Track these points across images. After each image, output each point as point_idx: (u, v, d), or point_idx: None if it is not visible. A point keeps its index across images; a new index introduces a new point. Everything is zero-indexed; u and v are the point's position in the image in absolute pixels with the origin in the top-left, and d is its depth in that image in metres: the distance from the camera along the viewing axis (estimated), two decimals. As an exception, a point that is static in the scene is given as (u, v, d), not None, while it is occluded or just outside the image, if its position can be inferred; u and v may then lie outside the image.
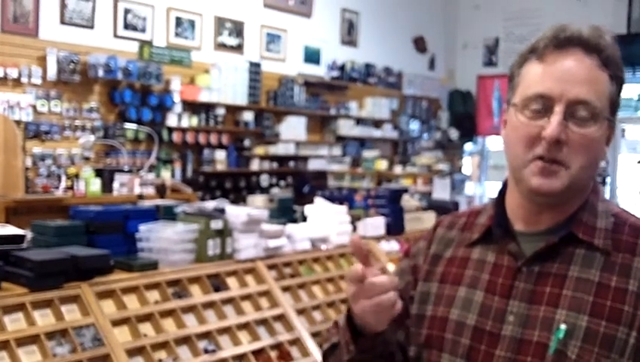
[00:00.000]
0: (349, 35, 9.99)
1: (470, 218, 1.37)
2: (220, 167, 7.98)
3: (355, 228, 4.34)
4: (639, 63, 9.61)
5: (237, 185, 8.20)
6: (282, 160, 8.84)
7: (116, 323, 2.80)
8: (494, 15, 10.67)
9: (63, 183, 5.33)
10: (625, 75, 1.22)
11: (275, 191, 8.42)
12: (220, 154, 7.97)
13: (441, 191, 8.55)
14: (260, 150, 8.48)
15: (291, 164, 8.96)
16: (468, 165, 10.91)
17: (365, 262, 1.15)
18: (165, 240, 3.16)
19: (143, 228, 3.21)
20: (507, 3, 10.54)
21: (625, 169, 10.39)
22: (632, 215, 1.26)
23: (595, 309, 1.14)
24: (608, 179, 10.02)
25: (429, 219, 4.98)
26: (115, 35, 7.08)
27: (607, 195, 9.93)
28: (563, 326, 1.14)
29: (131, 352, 2.75)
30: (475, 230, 1.32)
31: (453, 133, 11.26)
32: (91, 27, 6.84)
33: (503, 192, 1.31)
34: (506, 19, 10.10)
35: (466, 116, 11.33)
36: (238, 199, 7.55)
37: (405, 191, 5.27)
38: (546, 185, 1.17)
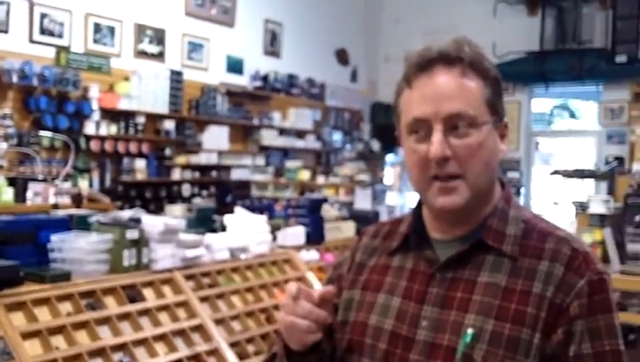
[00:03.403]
0: (272, 45, 10.02)
1: (393, 226, 1.41)
2: (140, 176, 7.85)
3: (274, 238, 4.35)
4: (551, 79, 9.98)
5: (158, 195, 8.07)
6: (204, 169, 8.77)
7: (26, 336, 2.72)
8: (414, 29, 10.88)
9: (-27, 192, 5.12)
10: (498, 74, 1.27)
11: (197, 201, 8.35)
12: (140, 164, 7.85)
13: (362, 201, 8.65)
14: (181, 159, 8.39)
15: (214, 173, 8.91)
16: (389, 176, 11.07)
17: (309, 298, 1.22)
18: (78, 250, 3.09)
19: (55, 238, 3.12)
20: (426, 18, 10.79)
21: (539, 180, 10.77)
22: (543, 220, 1.31)
23: (500, 313, 1.19)
24: (523, 190, 10.36)
25: (349, 228, 5.04)
26: (31, 40, 6.89)
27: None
28: (470, 331, 1.19)
29: (42, 366, 2.68)
30: (396, 238, 1.37)
31: (375, 145, 11.43)
32: (5, 31, 6.64)
33: (420, 203, 1.36)
34: (425, 34, 10.30)
35: (387, 128, 11.50)
36: (159, 209, 7.45)
37: (325, 200, 5.32)
38: (449, 202, 1.22)
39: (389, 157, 11.59)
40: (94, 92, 7.23)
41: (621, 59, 9.06)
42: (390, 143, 11.48)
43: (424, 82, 1.22)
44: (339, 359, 1.34)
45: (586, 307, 1.18)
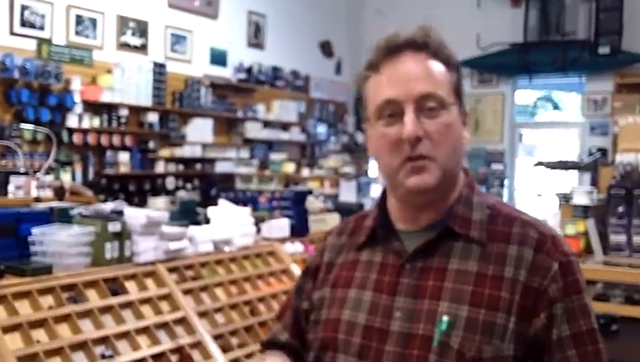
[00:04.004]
0: (256, 37, 9.98)
1: (358, 222, 1.42)
2: (124, 169, 7.79)
3: (259, 230, 4.33)
4: (535, 70, 10.01)
5: (141, 188, 8.02)
6: (188, 162, 8.73)
7: (7, 329, 2.69)
8: (397, 21, 10.78)
9: (-46, 186, 5.06)
10: (458, 62, 1.30)
11: (181, 193, 8.30)
12: (124, 156, 7.79)
13: (347, 193, 8.66)
14: (165, 152, 8.34)
15: (198, 166, 8.87)
16: (374, 168, 11.08)
17: None
18: (60, 243, 3.06)
19: (36, 231, 3.09)
20: (409, 10, 10.77)
21: (522, 172, 10.82)
22: (506, 206, 1.33)
23: (474, 299, 1.20)
24: (506, 182, 10.41)
25: (334, 220, 5.03)
26: (12, 33, 6.81)
27: (505, 197, 10.31)
28: (445, 318, 1.19)
29: (23, 359, 2.65)
30: (362, 233, 1.37)
31: (360, 137, 11.41)
32: (-15, 23, 6.57)
33: (384, 196, 1.36)
34: (409, 26, 10.31)
35: (371, 120, 11.50)
36: (143, 202, 7.41)
37: (310, 193, 5.30)
38: (421, 181, 1.23)
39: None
40: (76, 84, 7.16)
41: (604, 50, 9.10)
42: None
43: (393, 66, 1.25)
44: (313, 359, 1.34)
45: (562, 289, 1.20)
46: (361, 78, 1.30)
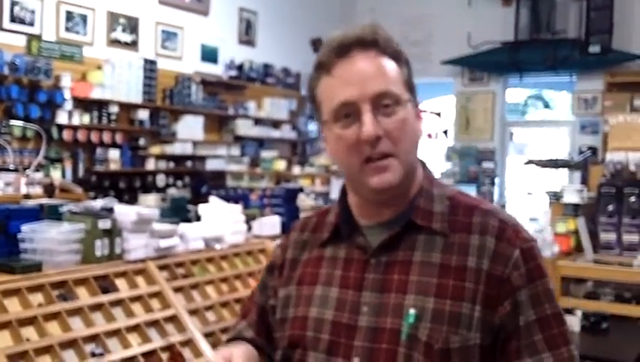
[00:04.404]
0: (247, 34, 9.96)
1: (320, 218, 1.42)
2: (114, 166, 7.77)
3: (250, 228, 4.33)
4: (526, 69, 10.03)
5: (132, 185, 8.00)
6: (179, 159, 8.71)
7: (-4, 327, 2.68)
8: (390, 19, 10.87)
9: (-58, 182, 5.03)
10: (407, 57, 1.30)
11: (171, 191, 8.28)
12: (114, 154, 7.77)
13: (338, 191, 8.62)
14: (155, 149, 8.32)
15: (188, 163, 8.85)
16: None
17: None
18: (49, 240, 3.04)
19: (26, 228, 3.07)
20: (402, 8, 10.79)
21: (513, 170, 10.85)
22: (466, 196, 1.34)
23: (439, 290, 1.21)
24: (497, 180, 10.43)
25: (325, 218, 5.02)
26: (1, 28, 6.78)
27: (496, 196, 10.33)
28: (412, 311, 1.20)
29: (12, 358, 2.63)
30: (325, 229, 1.37)
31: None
32: (-26, 19, 6.52)
33: (344, 192, 1.36)
34: (401, 24, 10.33)
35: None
36: (133, 199, 7.38)
37: (301, 190, 5.30)
38: (384, 180, 1.23)
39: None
40: (66, 81, 7.14)
41: (595, 49, 9.13)
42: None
43: (344, 67, 1.24)
44: (281, 357, 1.34)
45: (525, 276, 1.22)
46: (311, 80, 1.29)
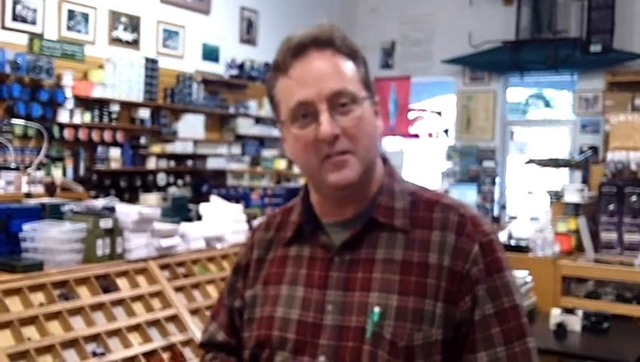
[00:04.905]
0: (248, 33, 9.96)
1: (283, 216, 1.42)
2: (115, 165, 7.77)
3: (251, 227, 4.32)
4: (527, 68, 10.02)
5: (132, 184, 8.00)
6: (180, 158, 8.71)
7: (-3, 327, 2.68)
8: (390, 18, 10.89)
9: (-57, 181, 5.04)
10: (363, 55, 1.30)
11: (172, 190, 8.28)
12: (115, 152, 7.77)
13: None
14: (156, 148, 8.32)
15: (189, 162, 8.85)
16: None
17: None
18: (51, 239, 3.04)
19: (27, 227, 3.07)
20: (402, 7, 10.79)
21: (514, 169, 10.85)
22: (427, 191, 1.35)
23: (402, 287, 1.22)
24: (498, 179, 10.43)
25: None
26: (3, 27, 6.78)
27: (496, 195, 10.33)
28: (377, 309, 1.21)
29: (14, 357, 2.63)
30: (288, 228, 1.38)
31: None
32: (-24, 18, 6.52)
33: (306, 191, 1.37)
34: (402, 23, 10.33)
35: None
36: (134, 198, 7.38)
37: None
38: (343, 177, 1.23)
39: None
40: (68, 80, 7.14)
41: (596, 48, 9.12)
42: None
43: (300, 67, 1.24)
44: (249, 357, 1.34)
45: (484, 270, 1.22)
46: (269, 80, 1.30)
